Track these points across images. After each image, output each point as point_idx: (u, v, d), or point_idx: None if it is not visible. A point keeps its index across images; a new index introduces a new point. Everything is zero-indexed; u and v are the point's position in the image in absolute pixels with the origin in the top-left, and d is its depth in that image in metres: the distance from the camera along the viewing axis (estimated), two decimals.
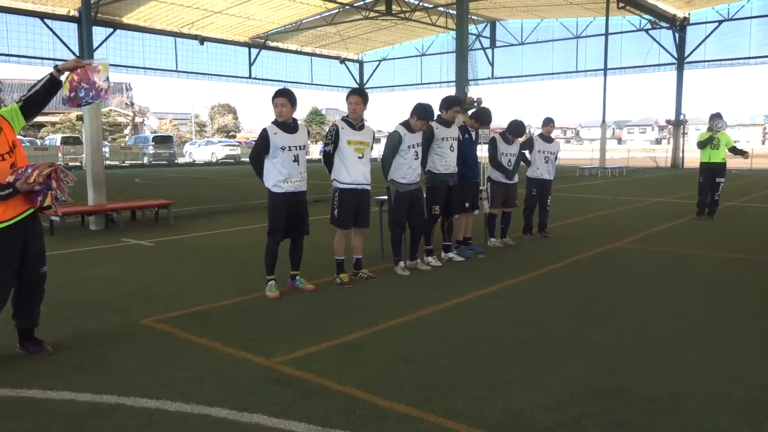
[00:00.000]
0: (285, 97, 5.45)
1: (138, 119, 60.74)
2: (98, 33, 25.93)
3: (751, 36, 28.83)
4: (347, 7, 27.30)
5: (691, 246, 8.32)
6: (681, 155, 31.30)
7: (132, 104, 61.34)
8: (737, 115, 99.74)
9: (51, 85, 4.01)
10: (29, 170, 3.83)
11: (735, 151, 11.06)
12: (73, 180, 4.03)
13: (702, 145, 10.98)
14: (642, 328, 4.69)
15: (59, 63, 4.12)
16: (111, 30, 27.25)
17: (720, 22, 29.44)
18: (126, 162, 35.68)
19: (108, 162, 32.24)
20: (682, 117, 30.75)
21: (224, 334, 4.52)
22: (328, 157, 5.95)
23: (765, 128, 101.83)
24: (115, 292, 5.84)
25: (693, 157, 13.49)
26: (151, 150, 36.10)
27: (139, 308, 5.25)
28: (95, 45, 27.37)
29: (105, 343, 4.38)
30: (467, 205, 7.36)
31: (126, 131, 56.02)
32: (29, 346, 4.15)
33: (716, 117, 10.94)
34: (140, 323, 4.83)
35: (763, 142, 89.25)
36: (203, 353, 4.15)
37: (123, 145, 40.05)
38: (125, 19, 27.45)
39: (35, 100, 4.00)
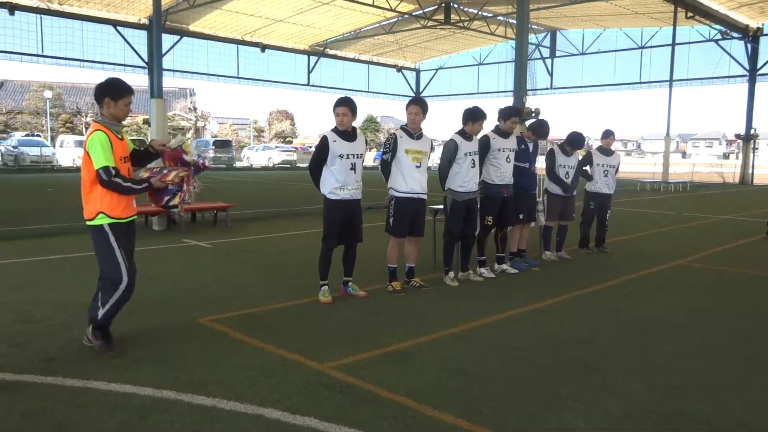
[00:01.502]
0: (347, 107, 5.52)
1: (200, 123, 62.68)
2: (166, 40, 26.95)
3: None
4: (406, 16, 27.43)
5: (761, 267, 7.93)
6: (750, 171, 29.92)
7: (195, 109, 63.35)
8: None
9: (147, 154, 4.41)
10: (165, 170, 4.26)
11: None
12: (199, 187, 4.41)
13: None
14: (705, 351, 4.50)
15: (153, 141, 4.56)
16: (178, 37, 28.26)
17: None
18: None
19: None
20: (752, 131, 29.41)
21: (278, 337, 4.60)
22: (386, 166, 5.97)
23: None
24: (175, 291, 6.03)
25: (763, 173, 12.88)
26: (211, 154, 37.18)
27: (197, 307, 5.40)
28: (163, 51, 28.52)
29: (165, 340, 4.53)
30: (521, 216, 7.25)
31: (188, 135, 57.89)
32: (99, 339, 4.23)
33: None
34: (198, 322, 4.97)
35: None
36: (257, 354, 4.24)
37: None
38: (192, 27, 28.44)
39: (134, 155, 4.35)
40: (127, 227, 4.24)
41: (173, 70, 29.61)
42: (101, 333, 4.25)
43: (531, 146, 7.41)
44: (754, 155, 30.02)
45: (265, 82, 33.86)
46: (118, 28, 25.80)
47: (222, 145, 39.09)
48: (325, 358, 4.15)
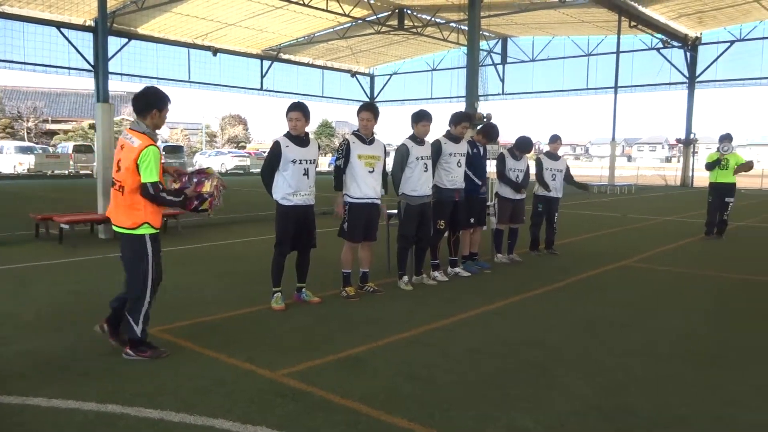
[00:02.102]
0: (300, 111, 5.50)
1: None
2: (113, 43, 26.26)
3: (763, 56, 28.76)
4: (359, 21, 27.50)
5: (699, 266, 8.27)
6: (690, 174, 31.15)
7: None
8: (749, 134, 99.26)
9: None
10: (195, 179, 4.39)
11: (742, 167, 10.87)
12: (225, 187, 4.53)
13: (710, 166, 10.97)
14: (648, 349, 4.66)
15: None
16: (126, 40, 27.59)
17: (732, 42, 29.41)
18: None
19: None
20: (692, 136, 30.63)
21: (229, 346, 4.53)
22: (339, 172, 5.96)
23: None
24: None
25: (703, 176, 13.42)
26: (162, 159, 36.31)
27: None
28: (110, 55, 27.77)
29: (111, 351, 4.40)
30: (473, 220, 7.35)
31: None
32: (146, 351, 4.28)
33: (725, 139, 10.93)
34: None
35: None
36: (208, 364, 4.17)
37: None
38: (140, 30, 27.79)
39: None
40: (158, 236, 4.33)
41: (121, 74, 28.88)
42: (144, 346, 4.28)
43: (482, 150, 7.54)
44: (693, 159, 31.25)
45: (218, 87, 33.38)
46: (62, 29, 24.99)
47: (173, 150, 38.21)
48: (277, 366, 4.11)
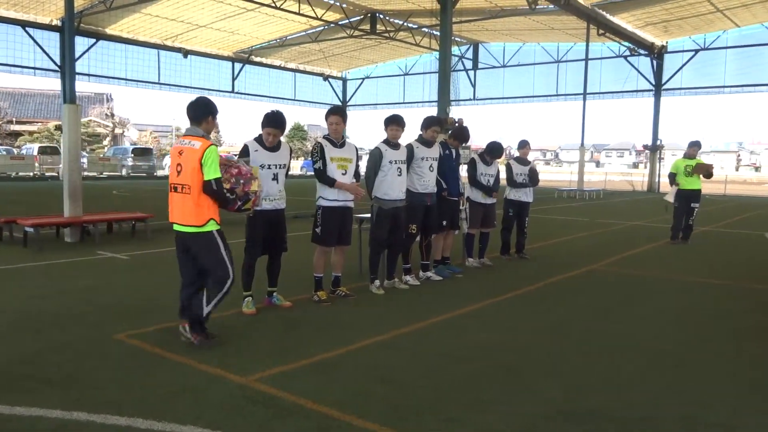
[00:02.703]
0: (278, 129, 5.44)
1: (118, 130, 60.19)
2: (81, 43, 25.78)
3: (726, 65, 29.61)
4: (332, 25, 27.50)
5: (665, 270, 8.45)
6: (657, 180, 31.83)
7: (112, 115, 60.81)
8: (712, 141, 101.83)
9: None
10: (242, 181, 4.68)
11: (701, 168, 11.11)
12: (262, 189, 4.97)
13: (672, 177, 11.25)
14: (616, 351, 4.74)
15: None
16: (94, 40, 27.10)
17: (696, 51, 30.20)
18: (104, 173, 35.28)
19: (86, 173, 31.91)
20: (658, 142, 31.33)
21: (199, 351, 4.47)
22: (321, 173, 5.90)
23: (739, 155, 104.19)
24: (88, 306, 5.76)
25: (669, 182, 13.73)
26: (130, 162, 35.76)
27: (112, 323, 5.17)
28: (77, 55, 27.23)
29: (77, 358, 4.31)
30: (445, 224, 7.39)
31: (105, 142, 55.46)
32: (197, 334, 4.58)
33: (693, 146, 11.27)
34: (113, 338, 4.76)
35: (737, 169, 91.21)
36: (177, 370, 4.11)
37: (101, 156, 39.61)
38: (108, 30, 27.34)
39: None
40: (222, 230, 4.67)
41: (88, 75, 28.38)
42: (200, 328, 4.59)
43: (454, 153, 7.59)
44: (660, 164, 31.96)
45: (188, 89, 33.01)
46: (27, 29, 24.45)
47: (142, 152, 37.70)
48: (248, 371, 4.07)
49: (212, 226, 4.55)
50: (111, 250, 9.02)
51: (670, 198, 11.22)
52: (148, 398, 3.61)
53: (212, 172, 4.42)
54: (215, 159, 4.43)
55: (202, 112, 4.58)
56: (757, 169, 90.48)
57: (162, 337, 4.83)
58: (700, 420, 3.49)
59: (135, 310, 5.66)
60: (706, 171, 11.10)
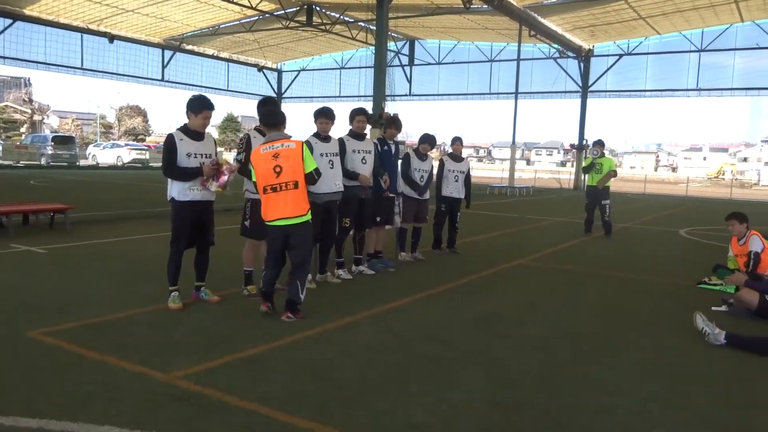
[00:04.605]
0: (210, 110, 5.38)
1: (37, 117, 57.12)
2: None
3: (647, 70, 31.15)
4: (267, 15, 27.01)
5: (589, 265, 8.80)
6: (583, 178, 33.06)
7: (31, 101, 57.65)
8: (634, 142, 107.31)
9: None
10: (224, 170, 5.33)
11: (607, 177, 11.74)
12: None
13: (586, 170, 11.99)
14: (541, 343, 4.89)
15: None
16: (10, 21, 25.55)
17: (620, 55, 31.59)
18: (21, 162, 33.35)
19: (1, 162, 30.08)
20: (584, 142, 32.56)
21: (120, 348, 4.30)
22: (242, 167, 5.79)
23: (658, 156, 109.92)
24: None
25: None
26: (50, 150, 33.88)
27: (25, 320, 4.89)
28: None
29: None
30: (379, 219, 7.41)
31: (23, 129, 52.48)
32: (298, 313, 5.21)
33: (597, 144, 11.96)
34: (26, 336, 4.50)
35: (656, 169, 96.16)
36: (95, 368, 3.93)
37: (18, 144, 37.43)
38: (27, 11, 25.83)
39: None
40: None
41: (3, 57, 26.75)
42: (299, 306, 5.19)
43: (393, 148, 7.61)
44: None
45: (114, 75, 31.71)
46: None
47: (63, 141, 35.78)
48: (172, 368, 3.94)
49: (309, 215, 5.15)
50: (27, 243, 8.53)
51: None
52: (62, 398, 3.43)
53: (311, 164, 5.12)
54: (309, 153, 5.18)
55: (282, 119, 5.30)
56: (674, 169, 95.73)
57: (81, 333, 4.61)
58: (618, 408, 3.65)
59: (52, 306, 5.37)
60: (612, 176, 11.92)
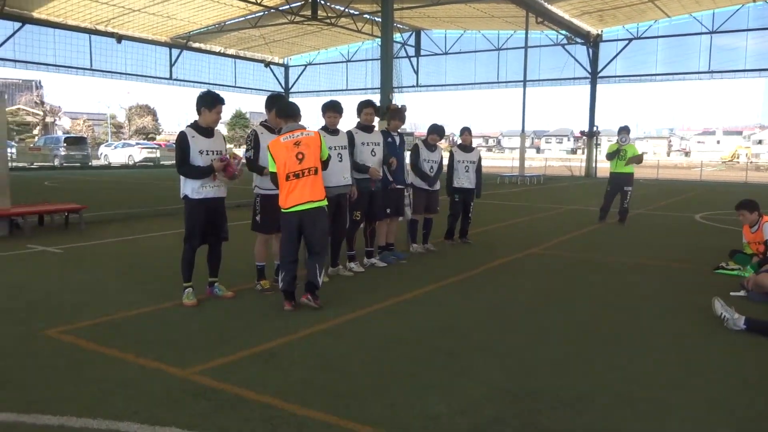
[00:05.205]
0: (222, 105, 5.44)
1: (49, 119, 57.59)
2: (5, 27, 24.46)
3: (657, 54, 30.76)
4: (272, 10, 26.97)
5: (602, 252, 8.74)
6: (594, 165, 32.86)
7: (42, 103, 58.11)
8: (645, 127, 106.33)
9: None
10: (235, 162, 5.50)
11: (634, 159, 11.59)
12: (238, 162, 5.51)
13: (610, 156, 11.68)
14: (555, 332, 4.87)
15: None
16: (19, 24, 25.71)
17: (630, 40, 31.22)
18: (35, 164, 33.67)
19: (15, 164, 30.34)
20: (595, 129, 32.28)
21: (137, 345, 4.34)
22: (251, 163, 5.82)
23: (670, 141, 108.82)
24: (16, 302, 5.49)
25: (605, 167, 14.26)
26: (62, 152, 34.17)
27: (42, 319, 4.95)
28: (1, 40, 25.81)
29: (3, 356, 4.10)
30: (389, 210, 7.40)
31: (35, 131, 52.94)
32: (316, 299, 5.41)
33: (623, 131, 11.68)
34: (44, 335, 4.55)
35: (668, 154, 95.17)
36: (112, 365, 3.97)
37: (32, 146, 37.76)
38: (35, 14, 25.97)
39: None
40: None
41: (15, 60, 26.93)
42: (313, 291, 5.38)
43: (398, 139, 7.59)
44: (597, 150, 32.98)
45: (123, 75, 31.82)
46: None
47: (75, 142, 36.05)
48: (188, 364, 3.98)
49: (326, 201, 5.41)
50: (42, 243, 8.62)
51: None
52: (81, 396, 3.47)
53: (326, 152, 5.45)
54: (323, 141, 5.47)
55: (299, 110, 5.51)
56: (686, 154, 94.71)
57: (97, 331, 4.65)
58: (635, 396, 3.63)
59: (69, 304, 5.43)
60: (639, 160, 11.62)
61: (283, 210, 5.26)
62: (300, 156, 5.17)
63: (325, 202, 5.36)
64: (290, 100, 6.11)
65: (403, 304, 5.65)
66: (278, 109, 5.57)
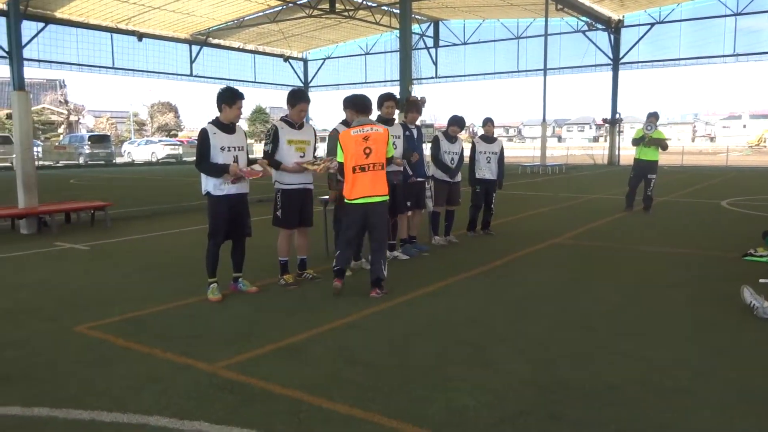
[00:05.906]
0: (243, 100, 5.46)
1: (73, 117, 58.48)
2: (29, 28, 24.82)
3: (681, 38, 30.16)
4: (290, 4, 27.02)
5: (626, 241, 8.63)
6: (617, 153, 32.44)
7: (66, 102, 59.00)
8: (669, 113, 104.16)
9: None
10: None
11: (657, 141, 11.32)
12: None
13: (636, 142, 11.47)
14: (579, 322, 4.83)
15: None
16: (43, 25, 26.11)
17: (652, 24, 30.66)
18: (60, 162, 34.27)
19: (41, 162, 30.94)
20: (617, 116, 31.85)
21: (164, 340, 4.40)
22: (268, 158, 5.84)
23: (695, 126, 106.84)
24: (45, 299, 5.60)
25: (628, 155, 14.05)
26: (87, 150, 34.74)
27: (71, 315, 5.04)
28: (25, 41, 26.20)
29: (35, 353, 4.19)
30: (410, 203, 7.38)
31: (60, 130, 53.80)
32: (380, 290, 5.59)
33: (652, 117, 11.45)
34: (73, 331, 4.64)
35: (693, 140, 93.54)
36: (141, 360, 4.03)
37: (57, 144, 38.42)
38: (58, 14, 26.36)
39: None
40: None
41: (39, 60, 27.37)
42: (380, 285, 5.56)
43: (416, 132, 7.55)
44: (619, 138, 32.58)
45: (144, 73, 32.16)
46: None
47: (99, 140, 36.61)
48: (215, 359, 4.02)
49: (389, 196, 5.65)
50: (70, 240, 8.78)
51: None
52: (111, 390, 3.53)
53: (391, 150, 5.68)
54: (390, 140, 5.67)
55: (370, 105, 5.71)
56: (712, 139, 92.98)
57: (125, 327, 4.73)
58: (663, 385, 3.58)
59: (97, 301, 5.52)
60: (663, 146, 11.37)
61: (347, 200, 5.53)
62: (368, 150, 5.41)
63: (387, 197, 5.56)
64: (307, 94, 6.14)
65: (426, 297, 5.64)
66: (352, 103, 5.81)
